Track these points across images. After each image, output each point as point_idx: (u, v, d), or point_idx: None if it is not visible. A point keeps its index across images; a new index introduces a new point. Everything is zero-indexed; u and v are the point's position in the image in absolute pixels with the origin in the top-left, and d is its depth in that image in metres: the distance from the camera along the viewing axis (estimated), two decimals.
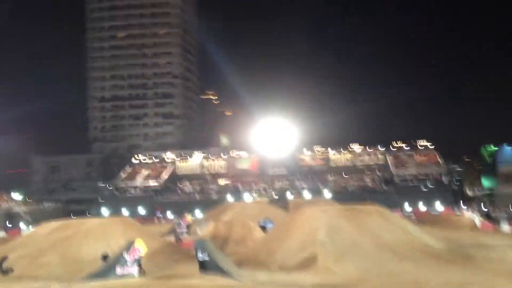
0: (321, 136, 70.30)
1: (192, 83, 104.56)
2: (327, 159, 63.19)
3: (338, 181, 59.02)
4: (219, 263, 17.65)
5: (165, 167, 67.47)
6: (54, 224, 23.62)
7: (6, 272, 18.84)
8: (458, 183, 55.86)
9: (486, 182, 64.32)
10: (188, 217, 37.41)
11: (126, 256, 17.65)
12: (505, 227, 32.98)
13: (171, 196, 60.68)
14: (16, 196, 62.12)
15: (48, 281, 17.15)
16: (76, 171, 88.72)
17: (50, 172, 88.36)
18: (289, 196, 53.05)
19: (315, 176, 60.46)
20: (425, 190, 52.30)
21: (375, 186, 56.01)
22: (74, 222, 24.30)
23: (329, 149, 63.46)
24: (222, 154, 67.70)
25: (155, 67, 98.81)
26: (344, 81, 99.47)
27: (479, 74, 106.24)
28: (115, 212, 50.25)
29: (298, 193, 55.05)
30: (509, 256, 20.65)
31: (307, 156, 63.98)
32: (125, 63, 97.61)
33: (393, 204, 45.00)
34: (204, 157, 67.49)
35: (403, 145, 61.48)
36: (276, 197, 53.68)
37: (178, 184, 63.86)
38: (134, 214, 51.16)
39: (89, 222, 24.11)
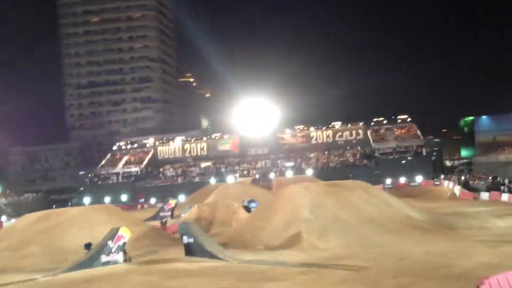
0: (303, 115, 70.54)
1: (170, 66, 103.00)
2: (308, 137, 63.38)
3: (319, 158, 59.39)
4: (204, 245, 17.69)
5: (146, 153, 66.96)
6: (35, 215, 23.32)
7: None
8: (436, 154, 56.66)
9: (464, 152, 65.52)
10: (172, 201, 37.35)
11: (110, 244, 17.57)
12: (484, 195, 33.71)
13: (153, 181, 60.42)
14: None
15: (33, 273, 17.01)
16: (56, 160, 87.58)
17: (29, 162, 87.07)
18: (272, 175, 53.24)
19: (297, 155, 60.74)
20: (403, 162, 52.97)
21: (356, 161, 56.55)
22: (55, 212, 24.00)
23: (310, 127, 63.57)
24: (203, 137, 67.49)
25: (132, 51, 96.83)
26: (325, 59, 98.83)
27: (458, 50, 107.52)
28: (97, 200, 49.60)
29: (280, 172, 55.30)
30: (489, 224, 21.19)
31: (287, 135, 64.08)
32: (101, 48, 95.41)
33: (375, 178, 45.72)
34: (184, 140, 67.13)
35: (382, 119, 61.90)
36: (258, 176, 53.81)
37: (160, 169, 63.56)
38: (116, 201, 50.82)
39: (71, 212, 23.89)
